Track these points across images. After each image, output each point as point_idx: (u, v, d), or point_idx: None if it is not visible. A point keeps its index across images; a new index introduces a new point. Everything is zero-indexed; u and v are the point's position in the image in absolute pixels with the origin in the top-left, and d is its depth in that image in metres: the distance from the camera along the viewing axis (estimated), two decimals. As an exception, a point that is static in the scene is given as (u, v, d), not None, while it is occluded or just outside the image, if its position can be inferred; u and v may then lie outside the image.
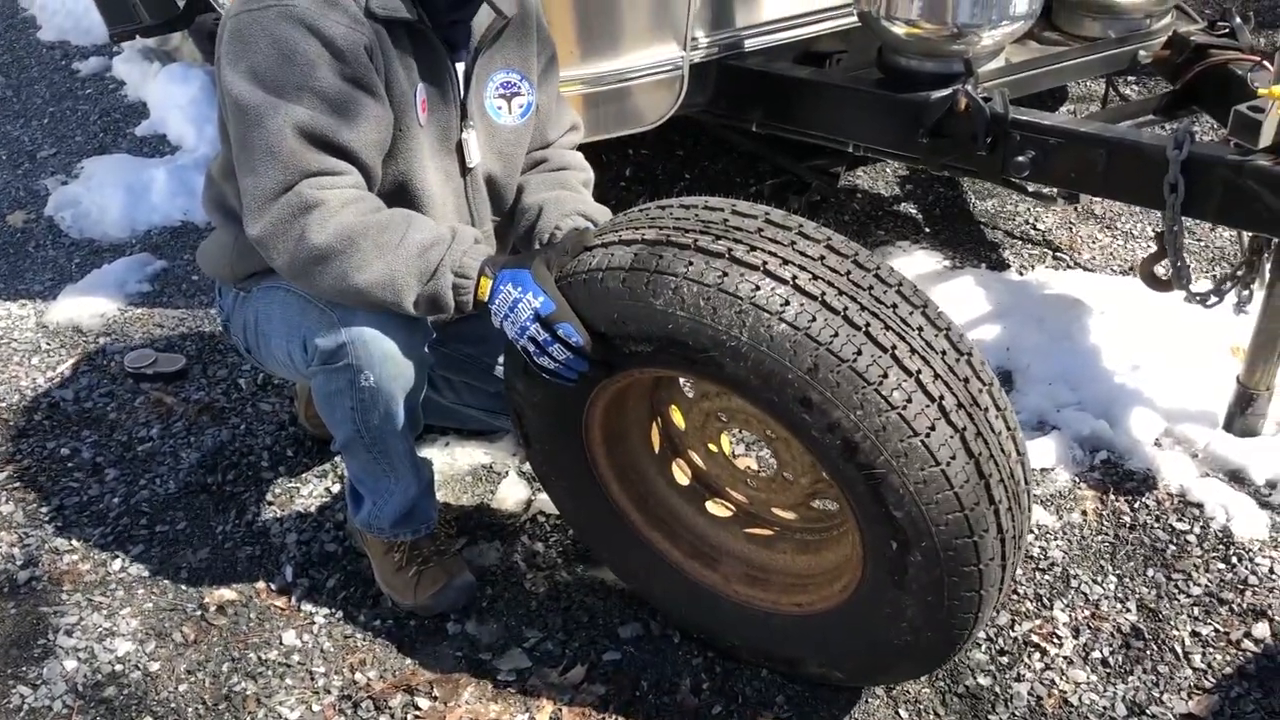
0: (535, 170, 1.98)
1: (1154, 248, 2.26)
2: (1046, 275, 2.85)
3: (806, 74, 2.54)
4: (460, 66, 1.78)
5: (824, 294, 1.43)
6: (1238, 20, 2.45)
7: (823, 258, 1.49)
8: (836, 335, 1.40)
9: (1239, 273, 2.21)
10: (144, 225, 3.28)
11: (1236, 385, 2.23)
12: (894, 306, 1.47)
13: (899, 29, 2.29)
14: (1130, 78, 3.52)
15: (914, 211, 3.19)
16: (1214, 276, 2.79)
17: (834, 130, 2.51)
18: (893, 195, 3.27)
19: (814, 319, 1.41)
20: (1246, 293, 2.21)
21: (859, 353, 1.40)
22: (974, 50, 2.32)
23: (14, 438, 2.48)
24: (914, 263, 2.92)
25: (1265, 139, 1.95)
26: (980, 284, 2.79)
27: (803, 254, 1.48)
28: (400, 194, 1.76)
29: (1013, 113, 2.24)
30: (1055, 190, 2.54)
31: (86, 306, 2.91)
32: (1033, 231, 3.07)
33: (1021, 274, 2.88)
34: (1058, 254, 2.97)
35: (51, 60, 4.41)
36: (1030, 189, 2.48)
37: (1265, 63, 2.29)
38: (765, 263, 1.45)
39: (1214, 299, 2.22)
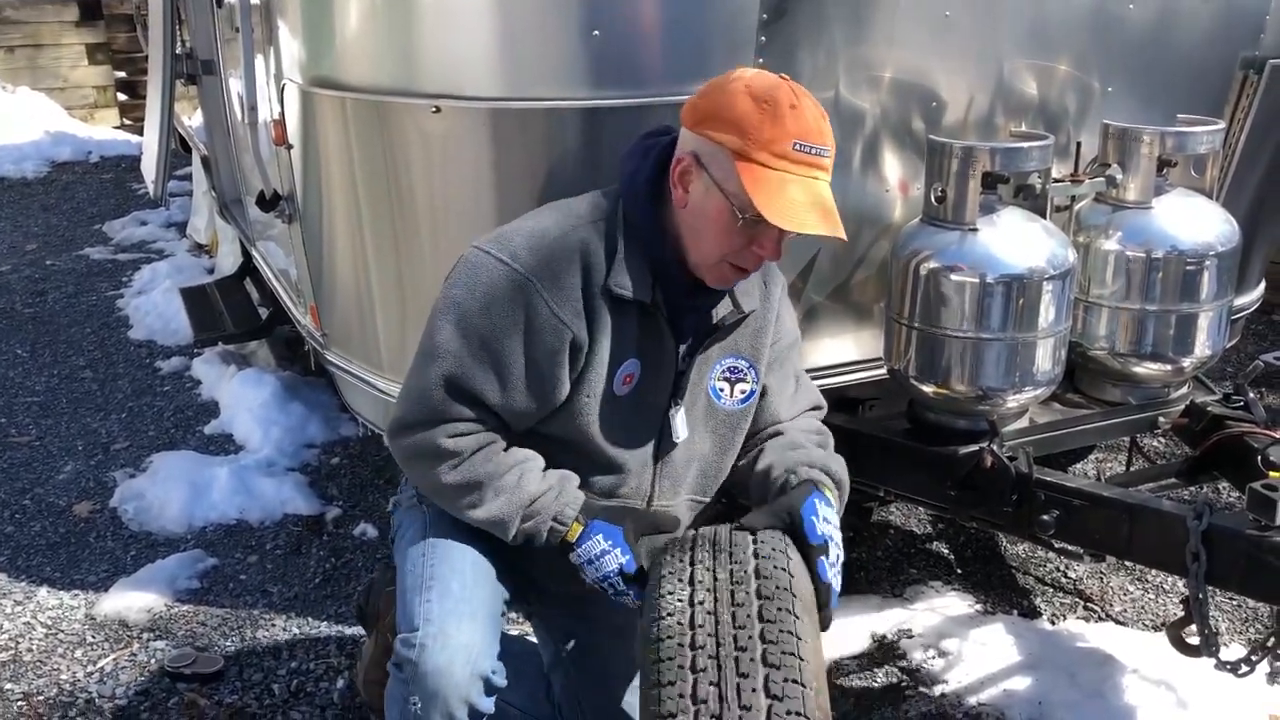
0: (769, 440, 2.03)
1: (1182, 609, 2.29)
2: (1078, 627, 2.86)
3: (840, 420, 2.68)
4: (683, 347, 1.90)
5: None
6: (1251, 395, 2.59)
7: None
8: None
9: (1269, 643, 2.22)
10: (201, 522, 3.41)
11: (1274, 759, 2.20)
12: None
13: (926, 388, 2.45)
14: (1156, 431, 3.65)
15: (946, 551, 3.25)
16: (1248, 640, 2.78)
17: (865, 474, 2.62)
18: (925, 533, 3.34)
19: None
20: (1279, 663, 2.22)
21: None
22: (999, 411, 2.46)
23: (46, 733, 2.51)
24: (946, 604, 2.95)
25: (1281, 517, 2.03)
26: (1011, 631, 2.81)
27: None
28: (571, 450, 1.87)
29: (1037, 473, 2.35)
30: (1082, 548, 2.59)
31: (136, 600, 2.99)
32: (1064, 580, 3.10)
33: (1053, 623, 2.89)
34: (1089, 605, 2.99)
35: (137, 358, 4.73)
36: (1056, 546, 2.54)
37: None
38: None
39: (1245, 669, 2.22)
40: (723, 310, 1.92)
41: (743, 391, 1.98)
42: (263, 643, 2.84)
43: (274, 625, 2.91)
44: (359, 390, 2.92)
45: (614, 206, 1.86)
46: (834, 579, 1.78)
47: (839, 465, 1.96)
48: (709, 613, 1.62)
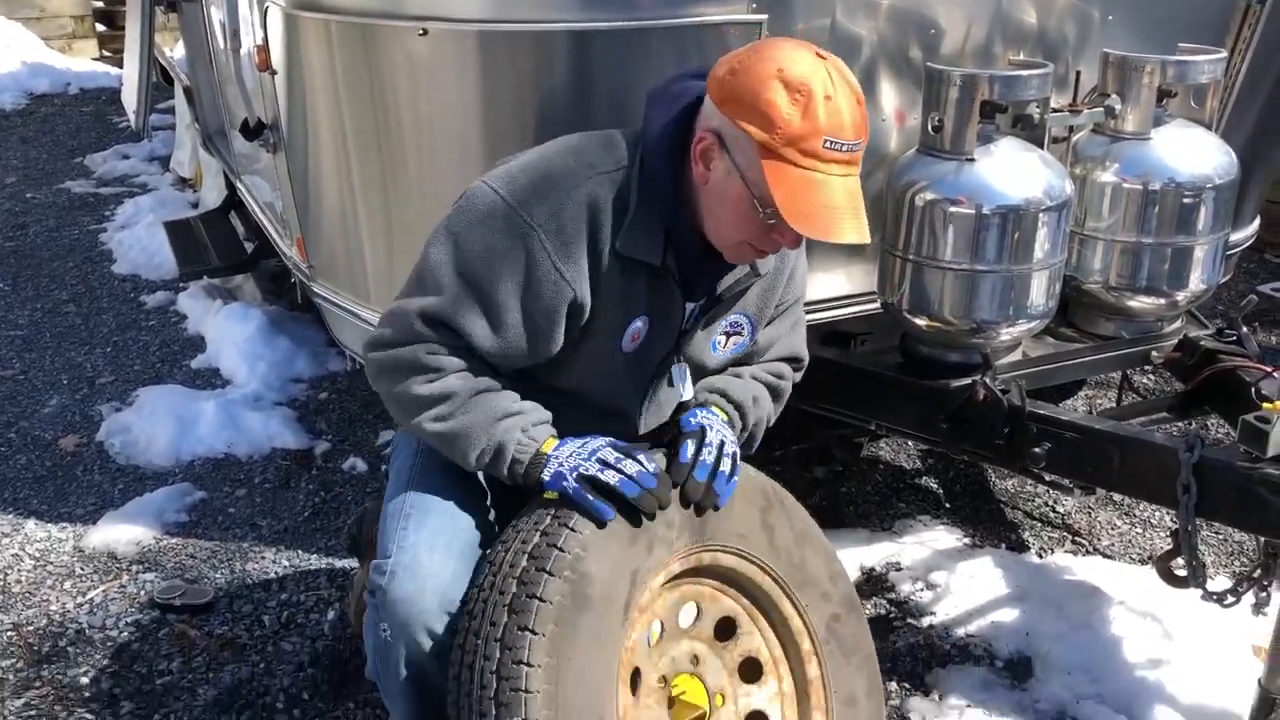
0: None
1: (1170, 541, 2.30)
2: (1066, 560, 2.88)
3: (832, 354, 2.66)
4: (692, 305, 1.85)
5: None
6: (1244, 329, 2.58)
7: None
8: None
9: (1255, 574, 2.23)
10: (188, 455, 3.40)
11: (1258, 689, 2.22)
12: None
13: (920, 321, 2.43)
14: (1146, 366, 3.65)
15: (935, 486, 3.26)
16: (1233, 572, 2.80)
17: (857, 409, 2.62)
18: (914, 468, 3.35)
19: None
20: (1264, 594, 2.23)
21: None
22: (992, 344, 2.45)
23: (36, 663, 2.51)
24: (934, 538, 2.97)
25: (1273, 449, 2.03)
26: (999, 565, 2.82)
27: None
28: (560, 393, 1.84)
29: (1029, 405, 2.34)
30: (1072, 481, 2.60)
31: (124, 533, 2.99)
32: (1052, 514, 3.12)
33: (1041, 557, 2.91)
34: (1077, 539, 3.01)
35: (121, 292, 4.68)
36: (1047, 479, 2.55)
37: (1274, 373, 2.40)
38: None
39: (1231, 599, 2.24)
40: (739, 273, 1.84)
41: (735, 343, 1.96)
42: (252, 575, 2.84)
43: (264, 558, 2.91)
44: (346, 322, 2.89)
45: (633, 156, 1.74)
46: (704, 459, 1.79)
47: (740, 390, 1.97)
48: (484, 600, 1.65)
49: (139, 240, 5.07)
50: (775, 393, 2.06)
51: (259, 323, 4.04)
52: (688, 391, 1.92)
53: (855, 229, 1.64)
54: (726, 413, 1.94)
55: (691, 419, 1.87)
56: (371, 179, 2.53)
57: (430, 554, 1.74)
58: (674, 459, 1.80)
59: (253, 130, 3.10)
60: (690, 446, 1.80)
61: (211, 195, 5.08)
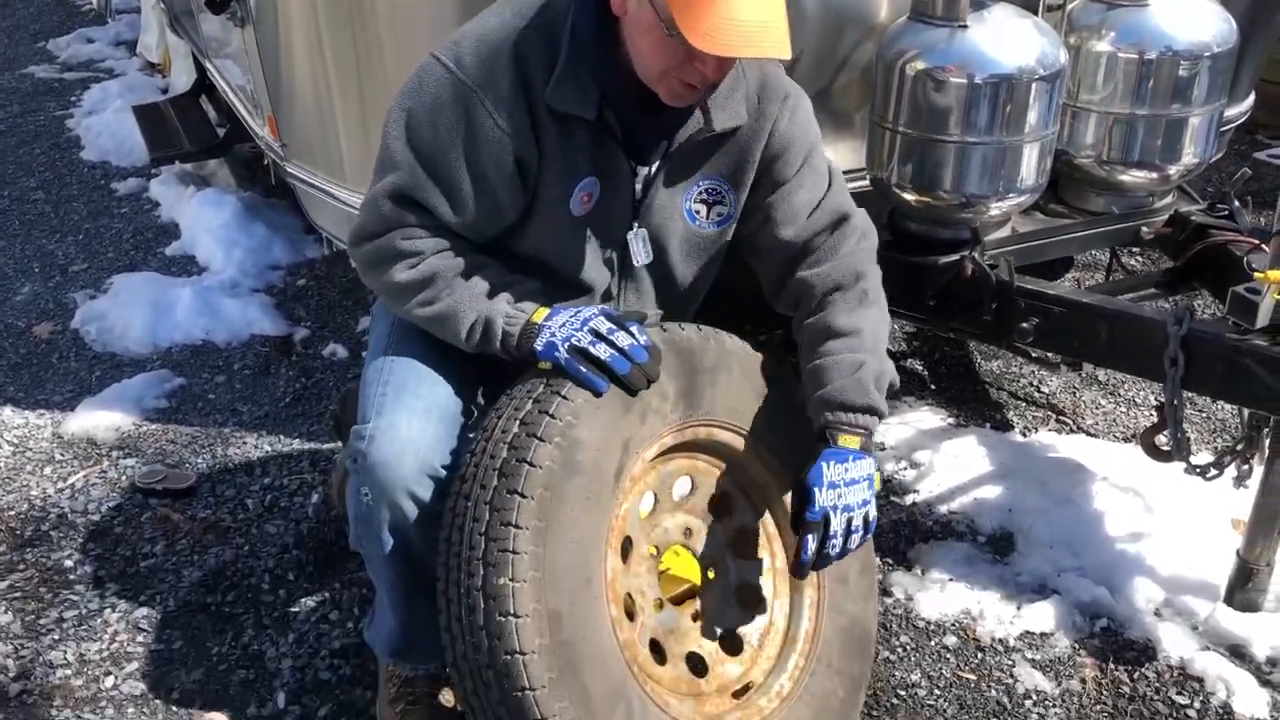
0: (805, 319, 1.87)
1: (1156, 417, 2.30)
2: (1050, 438, 2.89)
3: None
4: (645, 169, 1.78)
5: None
6: (1236, 204, 2.54)
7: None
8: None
9: (1239, 447, 2.24)
10: (165, 342, 3.35)
11: (1237, 559, 2.24)
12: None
13: (909, 196, 2.38)
14: (1134, 248, 3.62)
15: (920, 368, 3.25)
16: (1215, 448, 2.81)
17: (844, 287, 2.59)
18: (899, 350, 3.33)
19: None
20: (1246, 467, 2.24)
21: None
22: (981, 219, 2.41)
23: (19, 547, 2.50)
24: (919, 418, 2.97)
25: (1261, 320, 2.01)
26: (983, 443, 2.83)
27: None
28: (535, 270, 1.79)
29: (1018, 281, 2.32)
30: (1059, 357, 2.59)
31: (103, 419, 2.96)
32: (1037, 394, 3.12)
33: (1025, 435, 2.92)
34: (1061, 417, 3.01)
35: (91, 179, 4.56)
36: (1034, 355, 2.54)
37: (1263, 246, 2.37)
38: None
39: (1214, 472, 2.25)
40: (691, 128, 1.75)
41: (719, 215, 1.87)
42: (234, 460, 2.82)
43: (245, 443, 2.89)
44: (322, 203, 2.83)
45: (566, 8, 1.69)
46: (830, 550, 1.70)
47: (850, 375, 1.76)
48: (475, 465, 1.62)
49: (107, 126, 4.93)
50: (869, 303, 1.85)
51: (234, 208, 3.96)
52: (642, 259, 1.85)
53: (772, 43, 1.54)
54: (857, 433, 1.76)
55: (815, 498, 1.69)
56: (343, 50, 2.45)
57: (409, 418, 1.72)
58: (796, 555, 1.72)
59: (219, 3, 2.99)
60: (811, 544, 1.70)
61: (181, 79, 4.92)
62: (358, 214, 1.79)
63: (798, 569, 1.75)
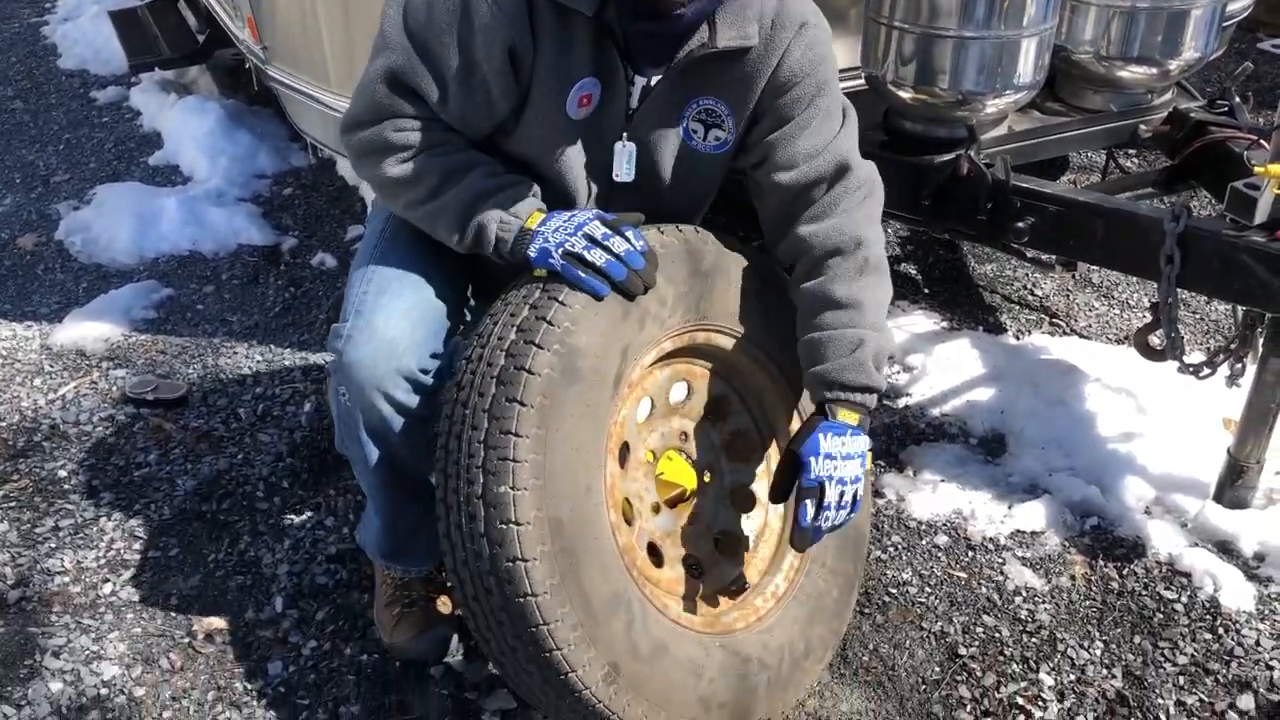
0: (803, 282, 1.79)
1: (1149, 318, 2.29)
2: (1043, 341, 2.88)
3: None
4: (642, 80, 1.71)
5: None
6: (1236, 99, 2.50)
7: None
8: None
9: (1232, 346, 2.24)
10: (152, 253, 3.31)
11: (1227, 457, 2.25)
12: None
13: (905, 94, 2.34)
14: (1131, 150, 3.58)
15: (914, 272, 3.23)
16: (1208, 348, 2.81)
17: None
18: (893, 255, 3.31)
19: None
20: (1239, 366, 2.24)
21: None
22: (978, 117, 2.37)
23: (12, 457, 2.50)
24: (912, 322, 2.96)
25: (1260, 216, 1.99)
26: (976, 346, 2.82)
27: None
28: (528, 172, 1.74)
29: (1014, 179, 2.29)
30: (1053, 257, 2.57)
31: (91, 331, 2.93)
32: (1030, 297, 3.11)
33: (1018, 338, 2.91)
34: (1054, 320, 3.00)
35: (70, 88, 4.47)
36: (1029, 255, 2.52)
37: (1262, 141, 2.34)
38: None
39: (1206, 371, 2.25)
40: (695, 43, 1.67)
41: (717, 139, 1.78)
42: (226, 370, 2.81)
43: (236, 353, 2.88)
44: (306, 107, 2.77)
45: None
46: (822, 522, 1.67)
47: (848, 353, 1.71)
48: (472, 373, 1.60)
49: (84, 33, 4.82)
50: (869, 270, 1.78)
51: (217, 116, 3.89)
52: (623, 175, 1.78)
53: None
54: (856, 410, 1.73)
55: (812, 466, 1.66)
56: (322, -54, 2.37)
57: (387, 319, 1.70)
58: (795, 522, 1.68)
59: (193, -101, 2.89)
60: (809, 509, 1.67)
61: (158, -16, 4.80)
62: (351, 100, 1.73)
63: (797, 536, 1.70)
